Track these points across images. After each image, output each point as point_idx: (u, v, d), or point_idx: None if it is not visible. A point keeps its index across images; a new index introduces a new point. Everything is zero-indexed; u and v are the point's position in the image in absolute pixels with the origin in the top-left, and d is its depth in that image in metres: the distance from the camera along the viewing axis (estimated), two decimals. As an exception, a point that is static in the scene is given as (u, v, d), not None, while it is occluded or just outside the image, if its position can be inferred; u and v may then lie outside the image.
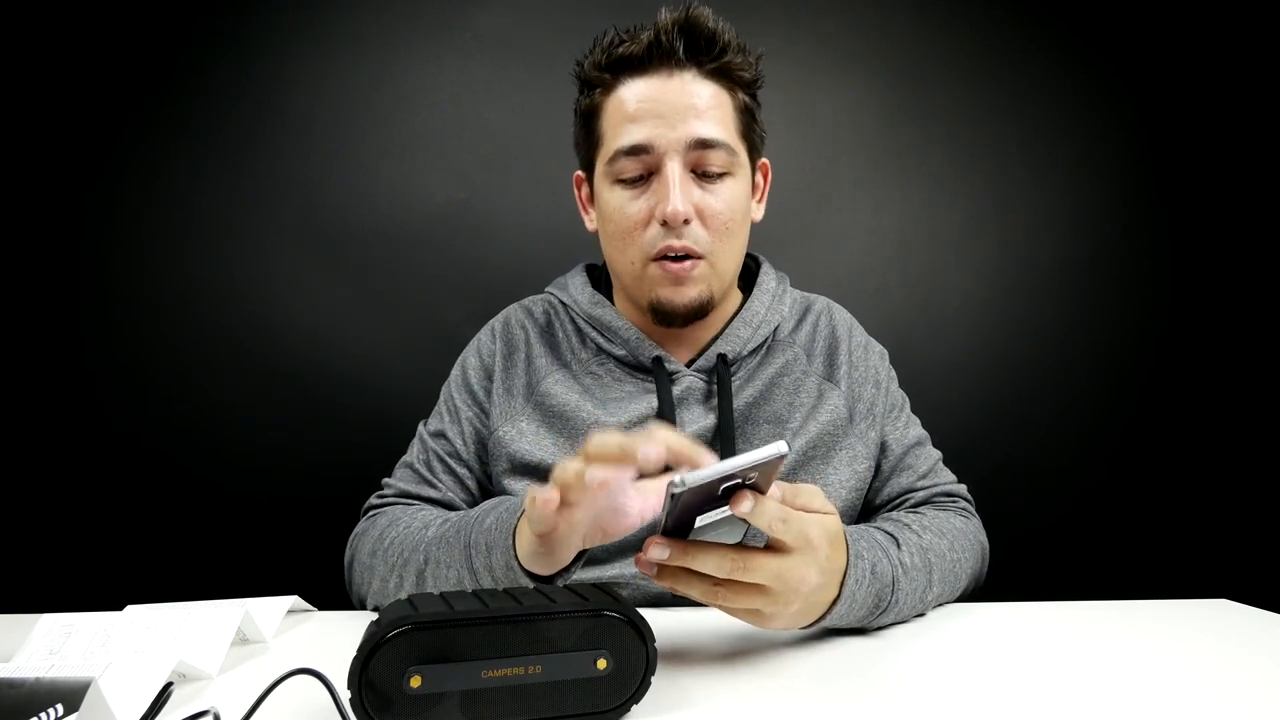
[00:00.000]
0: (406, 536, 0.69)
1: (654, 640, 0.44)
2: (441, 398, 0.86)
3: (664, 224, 0.72)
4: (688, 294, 0.74)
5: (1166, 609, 0.70)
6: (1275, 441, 1.39)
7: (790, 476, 0.76)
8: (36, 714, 0.42)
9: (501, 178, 1.35)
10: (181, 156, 1.30)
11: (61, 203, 1.28)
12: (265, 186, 1.32)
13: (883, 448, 0.83)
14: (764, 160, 0.83)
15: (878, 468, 0.83)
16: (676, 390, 0.77)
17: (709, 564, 0.48)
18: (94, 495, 1.27)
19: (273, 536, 1.28)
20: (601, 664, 0.43)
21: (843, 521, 0.78)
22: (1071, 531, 1.38)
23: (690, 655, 0.56)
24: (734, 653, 0.57)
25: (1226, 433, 1.39)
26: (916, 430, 0.86)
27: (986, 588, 0.81)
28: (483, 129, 1.35)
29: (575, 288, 0.85)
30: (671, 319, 0.76)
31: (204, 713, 0.40)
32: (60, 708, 0.43)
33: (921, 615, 0.67)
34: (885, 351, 0.89)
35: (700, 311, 0.76)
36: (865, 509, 0.83)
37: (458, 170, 1.35)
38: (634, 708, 0.44)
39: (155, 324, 1.29)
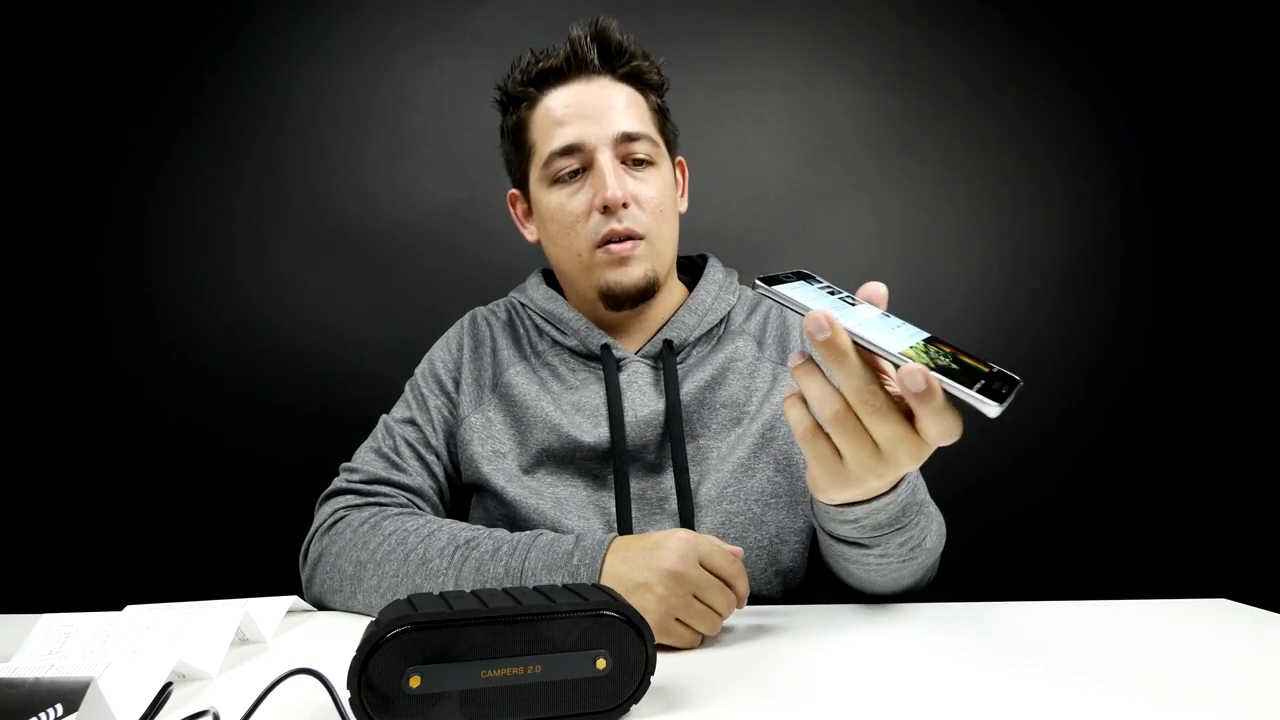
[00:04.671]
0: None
1: (654, 640, 0.44)
2: (407, 389, 0.89)
3: (604, 211, 0.77)
4: (633, 274, 0.79)
5: (1166, 609, 0.70)
6: (1275, 441, 1.39)
7: (755, 459, 0.78)
8: (36, 714, 0.42)
9: (502, 178, 1.34)
10: (181, 156, 1.30)
11: (62, 202, 1.28)
12: (266, 186, 1.32)
13: None
14: (680, 158, 0.90)
15: None
16: (624, 376, 0.81)
17: (852, 378, 0.43)
18: (94, 495, 1.27)
19: (273, 537, 1.28)
20: (601, 664, 0.43)
21: (807, 513, 0.80)
22: (1071, 531, 1.38)
23: (690, 655, 0.56)
24: (733, 653, 0.57)
25: (1226, 433, 1.39)
26: None
27: (986, 588, 0.81)
28: (483, 129, 1.35)
29: (531, 287, 0.91)
30: (621, 301, 0.80)
31: (204, 713, 0.40)
32: (60, 708, 0.43)
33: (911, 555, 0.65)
34: None
35: (648, 291, 0.81)
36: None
37: (458, 170, 1.35)
38: (633, 708, 0.44)
39: (156, 323, 1.29)
